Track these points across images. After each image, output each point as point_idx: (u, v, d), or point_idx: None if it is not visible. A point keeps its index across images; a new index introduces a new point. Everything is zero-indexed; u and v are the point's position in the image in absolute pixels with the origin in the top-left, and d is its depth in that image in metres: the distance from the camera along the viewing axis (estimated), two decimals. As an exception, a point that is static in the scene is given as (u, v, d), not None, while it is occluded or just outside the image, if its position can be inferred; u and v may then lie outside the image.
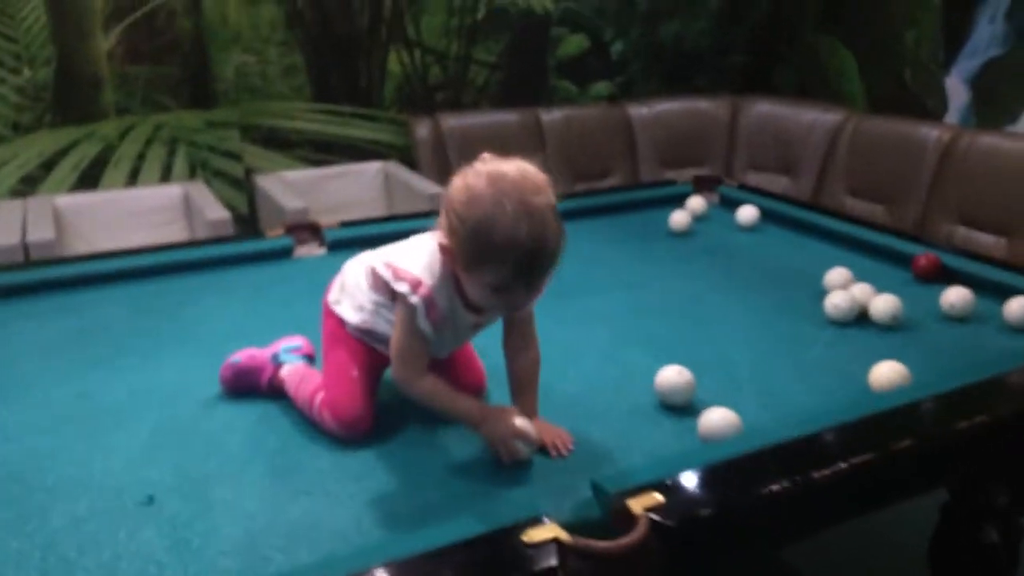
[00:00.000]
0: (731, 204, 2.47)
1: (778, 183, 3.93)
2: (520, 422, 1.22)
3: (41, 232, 2.80)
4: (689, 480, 1.09)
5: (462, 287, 1.22)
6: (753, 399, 1.41)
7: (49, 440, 1.32)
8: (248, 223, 3.54)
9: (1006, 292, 1.71)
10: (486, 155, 1.19)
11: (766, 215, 2.36)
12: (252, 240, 2.19)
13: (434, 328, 1.24)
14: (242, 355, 1.47)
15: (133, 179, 3.41)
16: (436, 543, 0.97)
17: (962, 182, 3.23)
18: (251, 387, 1.46)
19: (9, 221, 2.90)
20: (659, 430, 1.33)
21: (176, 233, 3.21)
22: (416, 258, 1.25)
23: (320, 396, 1.33)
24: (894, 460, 1.20)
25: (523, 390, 1.33)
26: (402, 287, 1.22)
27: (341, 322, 1.36)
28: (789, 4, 4.36)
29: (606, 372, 1.53)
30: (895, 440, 1.20)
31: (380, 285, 1.30)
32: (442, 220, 1.17)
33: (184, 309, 1.84)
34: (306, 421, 1.36)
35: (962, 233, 3.21)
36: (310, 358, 1.48)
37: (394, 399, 1.37)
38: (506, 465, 1.22)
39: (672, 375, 1.38)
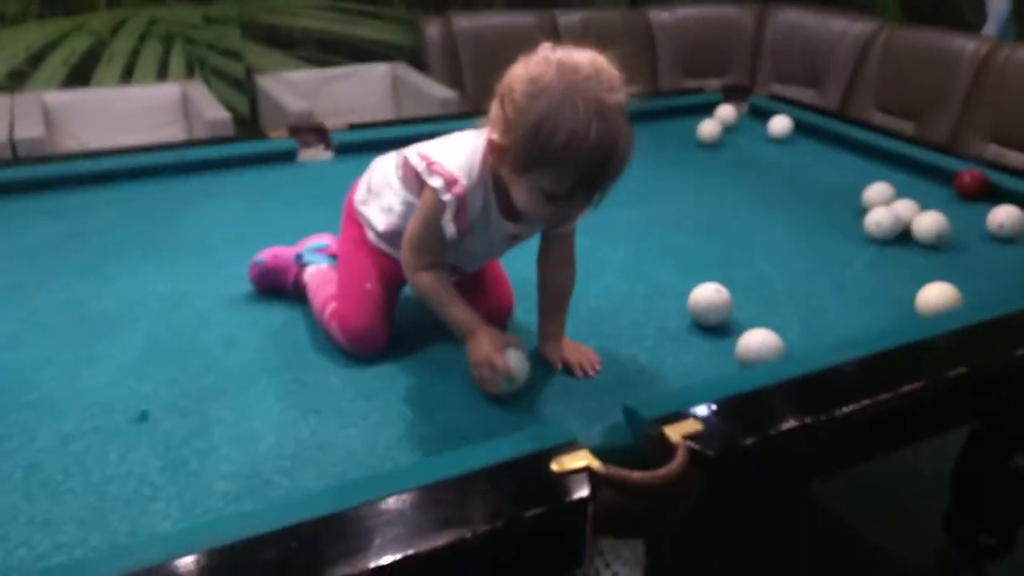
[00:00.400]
0: (761, 115, 2.33)
1: (804, 96, 3.74)
2: (511, 358, 1.09)
3: (30, 129, 2.67)
4: (730, 407, 1.00)
5: (503, 193, 1.09)
6: (793, 320, 1.31)
7: (33, 352, 1.22)
8: (249, 126, 3.39)
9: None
10: (548, 44, 1.04)
11: (798, 127, 2.22)
12: (253, 142, 2.06)
13: (459, 234, 1.12)
14: (266, 254, 1.38)
15: (127, 77, 3.24)
16: (456, 469, 0.88)
17: (997, 98, 3.07)
18: (278, 287, 1.37)
19: (-4, 117, 2.76)
20: (693, 352, 1.23)
21: (173, 134, 3.08)
22: (455, 154, 1.10)
23: (332, 306, 1.23)
24: (942, 390, 1.10)
25: (553, 310, 1.22)
26: (435, 181, 1.08)
27: (363, 228, 1.24)
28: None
29: (633, 289, 1.42)
30: (944, 368, 1.10)
31: (412, 179, 1.16)
32: (495, 112, 1.03)
33: (181, 214, 1.72)
34: (317, 333, 1.26)
35: (994, 151, 3.06)
36: (335, 258, 1.37)
37: (416, 316, 1.27)
38: (482, 391, 1.12)
39: (709, 293, 1.27)
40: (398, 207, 1.19)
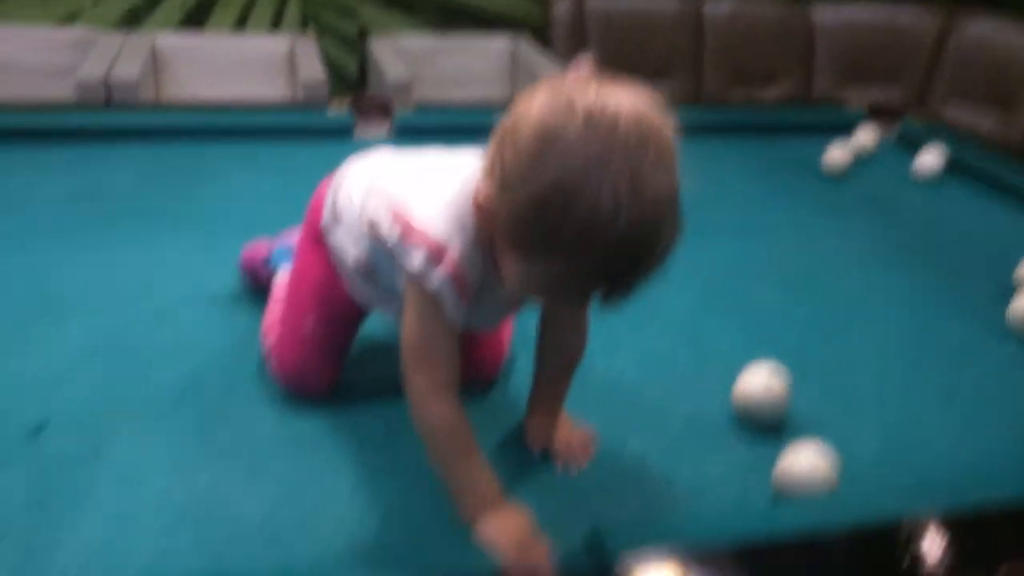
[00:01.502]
0: (912, 145, 1.93)
1: (986, 118, 3.24)
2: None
3: (127, 69, 2.61)
4: (733, 560, 0.72)
5: (493, 254, 0.77)
6: (872, 431, 1.00)
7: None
8: (356, 86, 3.25)
9: None
10: (584, 62, 0.75)
11: (955, 165, 1.82)
12: (308, 112, 1.88)
13: (465, 308, 0.80)
14: (246, 249, 1.21)
15: (241, 25, 3.17)
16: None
17: None
18: (258, 282, 1.19)
19: (102, 54, 2.73)
20: (724, 458, 0.94)
21: (277, 89, 2.97)
22: (437, 203, 0.79)
23: (273, 335, 1.02)
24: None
25: (551, 384, 0.95)
26: (415, 261, 0.77)
27: (325, 254, 0.97)
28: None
29: (674, 353, 1.14)
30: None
31: (382, 241, 0.85)
32: (491, 157, 0.72)
33: (206, 183, 1.57)
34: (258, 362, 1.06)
35: None
36: None
37: (382, 361, 1.04)
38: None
39: (760, 383, 0.98)
40: (366, 245, 0.90)
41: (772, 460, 0.89)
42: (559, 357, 0.93)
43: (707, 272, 1.36)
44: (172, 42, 2.96)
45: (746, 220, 1.58)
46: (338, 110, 1.84)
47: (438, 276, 0.76)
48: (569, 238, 0.66)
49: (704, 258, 1.40)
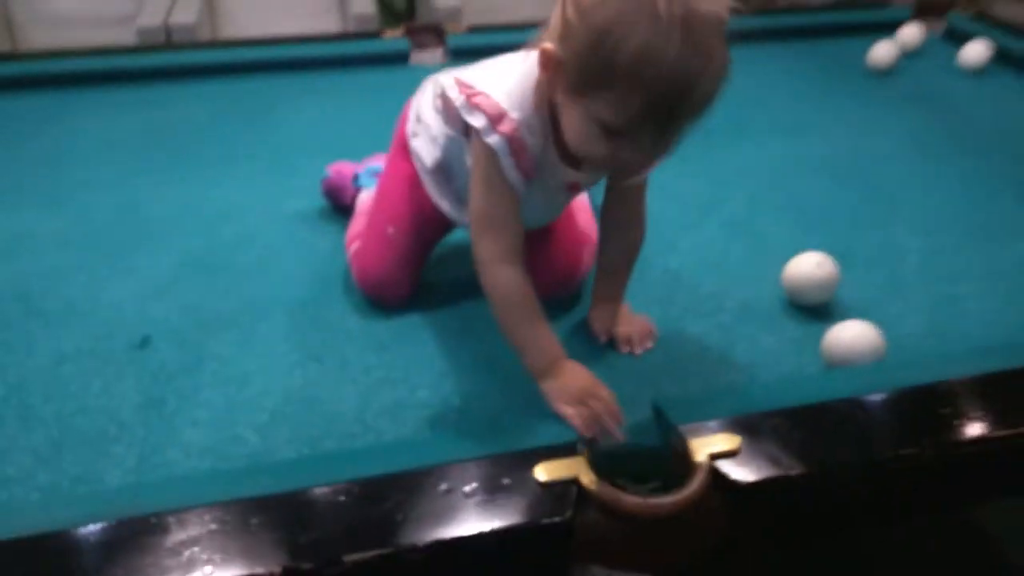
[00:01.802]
0: (960, 39, 1.92)
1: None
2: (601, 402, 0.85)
3: (185, 14, 2.68)
4: (787, 422, 0.79)
5: (559, 127, 0.84)
6: (918, 310, 1.05)
7: (68, 257, 1.19)
8: (406, 16, 3.28)
9: None
10: None
11: (1003, 56, 1.81)
12: (364, 40, 1.94)
13: (525, 179, 0.88)
14: (332, 168, 1.30)
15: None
16: (429, 459, 0.74)
17: None
18: (341, 205, 1.28)
19: (158, 1, 2.80)
20: (776, 337, 1.01)
21: (327, 25, 3.02)
22: (502, 79, 0.87)
23: (356, 245, 1.10)
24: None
25: (612, 275, 1.02)
26: (477, 120, 0.85)
27: (411, 162, 1.05)
28: None
29: (730, 246, 1.20)
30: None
31: (453, 114, 0.92)
32: (555, 17, 0.79)
33: (272, 114, 1.65)
34: (348, 272, 1.14)
35: None
36: None
37: (455, 270, 1.12)
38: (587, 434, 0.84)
39: (809, 265, 1.03)
40: (442, 139, 0.99)
41: (821, 337, 0.96)
42: (620, 248, 1.00)
43: (759, 170, 1.41)
44: (223, -18, 3.02)
45: (795, 119, 1.61)
46: (393, 37, 1.89)
47: (495, 136, 0.84)
48: (625, 68, 0.72)
49: (755, 157, 1.45)
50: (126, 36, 2.77)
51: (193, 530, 0.66)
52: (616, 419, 0.84)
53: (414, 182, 1.04)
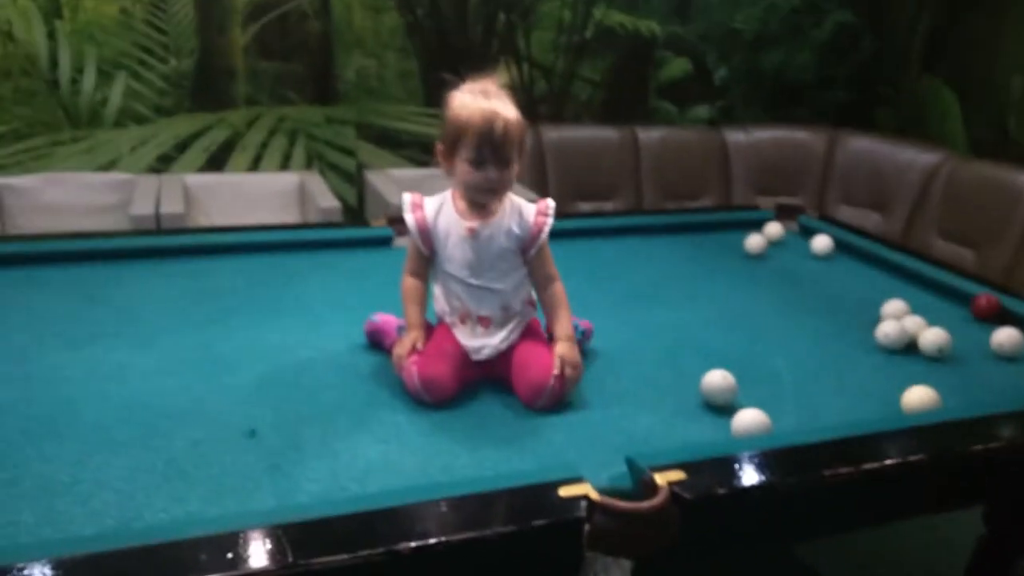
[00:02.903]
0: (810, 233, 2.57)
1: (869, 219, 3.96)
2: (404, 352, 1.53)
3: (173, 206, 3.13)
4: (713, 465, 1.24)
5: (457, 202, 1.55)
6: (791, 411, 1.54)
7: (173, 379, 1.56)
8: (356, 214, 3.81)
9: (1061, 338, 1.77)
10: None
11: (841, 246, 2.45)
12: (357, 228, 2.42)
13: (419, 228, 1.57)
14: (380, 317, 1.73)
15: (255, 165, 3.73)
16: (487, 487, 1.15)
17: (1055, 232, 3.22)
18: (379, 344, 1.72)
19: (146, 194, 3.24)
20: (698, 424, 1.47)
21: (290, 217, 3.50)
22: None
23: (415, 356, 1.53)
24: (898, 474, 1.30)
25: (554, 315, 1.59)
26: (405, 207, 1.60)
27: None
28: (894, 43, 4.38)
29: (660, 373, 1.67)
30: (904, 455, 1.31)
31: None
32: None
33: (293, 283, 2.07)
34: (394, 385, 1.56)
35: (1049, 282, 3.19)
36: None
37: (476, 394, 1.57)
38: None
39: (717, 378, 1.52)
40: (438, 291, 1.62)
41: (728, 424, 1.43)
42: (550, 299, 1.59)
43: (673, 326, 1.91)
44: (199, 181, 3.49)
45: (694, 291, 2.15)
46: (379, 225, 2.38)
47: (407, 215, 1.59)
48: (463, 127, 1.45)
49: (669, 317, 1.96)
50: (116, 224, 3.18)
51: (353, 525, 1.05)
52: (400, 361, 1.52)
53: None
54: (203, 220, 3.44)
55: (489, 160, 1.46)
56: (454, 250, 1.55)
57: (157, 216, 3.04)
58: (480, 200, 1.53)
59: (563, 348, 1.53)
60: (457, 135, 1.47)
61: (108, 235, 2.31)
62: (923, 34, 4.24)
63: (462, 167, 1.49)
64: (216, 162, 3.68)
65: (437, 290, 1.61)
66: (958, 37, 4.05)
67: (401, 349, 1.54)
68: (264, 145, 3.73)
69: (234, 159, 3.70)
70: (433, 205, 1.57)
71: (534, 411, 1.49)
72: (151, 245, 2.18)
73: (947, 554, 1.97)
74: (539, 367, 1.51)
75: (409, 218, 1.58)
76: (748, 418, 1.39)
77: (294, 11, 3.65)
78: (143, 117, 3.57)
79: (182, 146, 3.64)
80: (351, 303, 1.92)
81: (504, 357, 1.56)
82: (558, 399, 1.50)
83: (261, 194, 3.53)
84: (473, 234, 1.54)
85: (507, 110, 1.46)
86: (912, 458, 1.30)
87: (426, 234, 1.57)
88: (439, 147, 1.53)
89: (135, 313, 1.84)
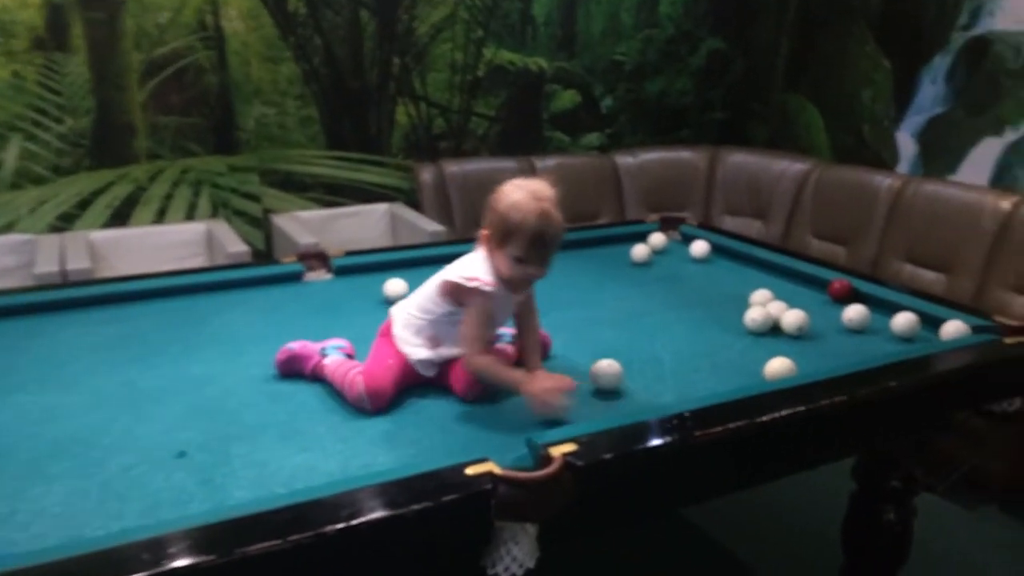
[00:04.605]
0: (690, 240, 2.81)
1: (751, 227, 4.27)
2: (550, 383, 1.58)
3: (79, 262, 3.15)
4: (601, 436, 1.41)
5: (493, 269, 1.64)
6: (672, 388, 1.74)
7: (101, 415, 1.64)
8: (265, 258, 3.89)
9: (899, 310, 2.03)
10: None
11: (716, 249, 2.69)
12: (267, 266, 2.52)
13: (496, 309, 1.65)
14: (296, 344, 1.82)
15: (160, 217, 3.78)
16: (404, 473, 1.29)
17: (909, 224, 3.56)
18: (297, 371, 1.81)
19: (48, 253, 3.25)
20: (590, 408, 1.65)
21: (199, 265, 3.56)
22: (477, 267, 1.65)
23: (357, 369, 1.68)
24: (762, 432, 1.50)
25: (532, 350, 1.76)
26: (476, 283, 1.63)
27: (394, 345, 1.74)
28: (761, 66, 4.75)
29: (557, 367, 1.84)
30: (763, 413, 1.51)
31: (450, 294, 1.68)
32: (486, 220, 1.63)
33: (209, 321, 2.17)
34: (313, 401, 1.69)
35: (909, 270, 3.53)
36: (350, 356, 1.82)
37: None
38: (540, 414, 1.57)
39: (604, 365, 1.70)
40: (435, 321, 1.71)
41: (619, 407, 1.61)
42: (530, 328, 1.76)
43: (570, 328, 2.09)
44: (104, 236, 3.51)
45: (587, 297, 2.34)
46: (289, 262, 2.50)
47: (489, 287, 1.63)
48: (517, 227, 1.56)
49: (563, 318, 2.14)
50: (21, 284, 3.19)
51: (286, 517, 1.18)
52: (554, 395, 1.56)
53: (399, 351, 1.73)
54: (112, 274, 3.47)
55: (534, 260, 1.59)
56: (498, 317, 1.70)
57: (63, 274, 3.06)
58: (514, 289, 1.67)
59: (548, 376, 1.65)
60: (507, 232, 1.57)
61: (18, 291, 2.36)
62: (785, 56, 4.62)
63: (506, 261, 1.60)
64: (120, 217, 3.71)
65: (430, 330, 1.71)
66: (815, 57, 4.43)
67: (555, 384, 1.60)
68: (168, 197, 3.79)
69: (138, 213, 3.74)
70: (499, 285, 1.64)
71: (467, 402, 1.68)
72: (64, 297, 2.24)
73: (825, 510, 2.19)
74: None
75: (494, 306, 1.66)
76: (776, 364, 1.67)
77: (191, 66, 3.75)
78: (41, 178, 3.59)
79: (84, 204, 3.66)
80: (268, 334, 2.03)
81: (445, 364, 1.74)
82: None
83: (168, 244, 3.58)
84: (515, 306, 1.73)
85: (557, 217, 1.58)
86: (770, 416, 1.51)
87: (499, 309, 1.69)
88: (485, 233, 1.63)
89: (57, 360, 1.91)
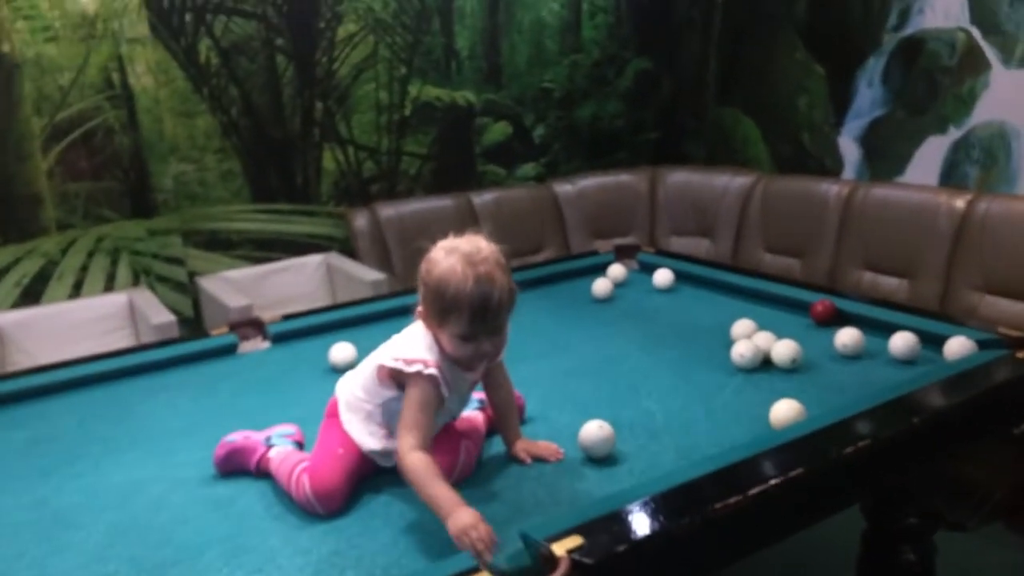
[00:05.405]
0: (650, 269, 2.64)
1: (700, 246, 4.15)
2: (482, 527, 1.19)
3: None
4: (607, 522, 1.21)
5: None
6: (670, 447, 1.55)
7: (5, 547, 1.38)
8: (194, 325, 3.61)
9: (892, 329, 1.89)
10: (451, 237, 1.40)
11: (680, 276, 2.54)
12: (196, 340, 2.27)
13: (448, 390, 1.39)
14: (238, 436, 1.58)
15: (77, 291, 3.47)
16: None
17: (863, 230, 3.48)
18: (241, 467, 1.55)
19: (-50, 343, 2.94)
20: (584, 481, 1.45)
21: (122, 340, 3.26)
22: (415, 343, 1.40)
23: (303, 464, 1.44)
24: (786, 491, 1.33)
25: (505, 417, 1.56)
26: (416, 367, 1.36)
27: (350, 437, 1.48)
28: (691, 82, 4.68)
29: (536, 432, 1.64)
30: (785, 472, 1.34)
31: (389, 378, 1.42)
32: (419, 293, 1.39)
33: (133, 412, 1.91)
34: (260, 504, 1.45)
35: (869, 278, 3.44)
36: (300, 445, 1.59)
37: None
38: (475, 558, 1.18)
39: (594, 429, 1.51)
40: (381, 406, 1.45)
41: (615, 475, 1.42)
42: (504, 402, 1.54)
43: (540, 381, 1.89)
44: (13, 318, 3.20)
45: (554, 344, 2.15)
46: (220, 333, 2.25)
47: (432, 370, 1.35)
48: (452, 303, 1.31)
49: (535, 370, 1.94)
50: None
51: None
52: (485, 544, 1.16)
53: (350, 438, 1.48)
54: (24, 360, 3.15)
55: (482, 333, 1.35)
56: (451, 401, 1.43)
57: (-32, 365, 2.76)
58: (466, 368, 1.43)
59: (537, 447, 1.54)
60: (444, 309, 1.33)
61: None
62: (714, 70, 4.55)
63: (450, 341, 1.36)
64: (32, 295, 3.40)
65: (380, 417, 1.46)
66: (745, 69, 4.37)
67: (481, 534, 1.18)
68: (84, 268, 3.49)
69: (52, 289, 3.43)
70: (445, 365, 1.39)
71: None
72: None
73: (835, 553, 2.03)
74: (447, 450, 1.46)
75: (444, 389, 1.38)
76: (784, 410, 1.51)
77: (99, 128, 3.47)
78: (-62, 260, 3.26)
79: (-11, 285, 3.34)
80: (201, 423, 1.79)
81: None
82: (471, 468, 1.49)
83: (87, 320, 3.28)
84: (473, 384, 1.50)
85: (500, 279, 1.33)
86: (793, 473, 1.33)
87: (449, 384, 1.40)
88: (421, 311, 1.39)
89: (-49, 480, 1.63)
